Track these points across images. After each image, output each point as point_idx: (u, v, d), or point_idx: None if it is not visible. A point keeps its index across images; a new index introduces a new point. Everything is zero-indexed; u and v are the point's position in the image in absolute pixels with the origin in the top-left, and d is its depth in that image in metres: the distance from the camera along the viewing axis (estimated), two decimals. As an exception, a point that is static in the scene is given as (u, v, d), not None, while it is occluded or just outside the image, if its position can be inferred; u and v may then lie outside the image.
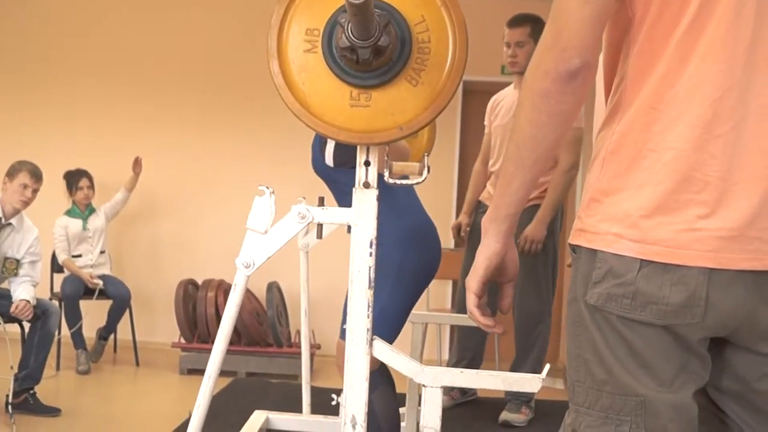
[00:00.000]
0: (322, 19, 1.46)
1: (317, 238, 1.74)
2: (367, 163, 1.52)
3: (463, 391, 3.78)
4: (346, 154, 1.98)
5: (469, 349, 3.73)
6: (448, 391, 3.66)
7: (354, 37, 1.36)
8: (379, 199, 1.49)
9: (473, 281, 1.12)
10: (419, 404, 1.57)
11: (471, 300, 1.13)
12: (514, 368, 3.51)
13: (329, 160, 2.04)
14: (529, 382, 1.50)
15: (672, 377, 0.98)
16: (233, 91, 5.26)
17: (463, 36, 1.45)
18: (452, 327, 5.20)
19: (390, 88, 1.45)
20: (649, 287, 0.95)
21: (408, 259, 2.01)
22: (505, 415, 3.48)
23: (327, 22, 1.46)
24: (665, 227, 0.95)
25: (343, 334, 1.93)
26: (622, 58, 1.04)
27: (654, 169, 0.96)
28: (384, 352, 1.52)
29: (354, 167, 1.93)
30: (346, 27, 1.37)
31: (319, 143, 2.10)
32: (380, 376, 2.00)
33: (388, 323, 2.00)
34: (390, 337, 2.01)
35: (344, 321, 1.94)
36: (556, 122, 1.02)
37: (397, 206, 2.06)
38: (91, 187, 4.73)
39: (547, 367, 1.55)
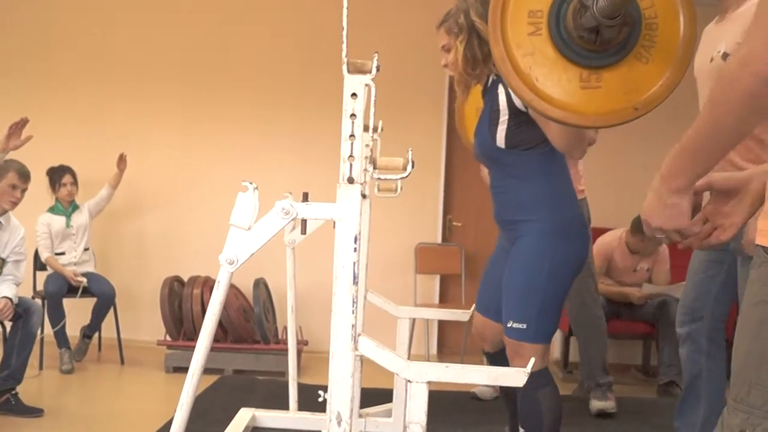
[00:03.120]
0: (544, 0, 1.41)
1: (301, 234, 1.73)
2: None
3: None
4: (518, 135, 1.97)
5: None
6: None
7: (602, 15, 1.31)
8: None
9: (686, 222, 1.17)
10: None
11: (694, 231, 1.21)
12: (584, 368, 3.64)
13: (501, 142, 2.01)
14: (513, 377, 1.50)
15: None
16: (218, 87, 5.22)
17: (691, 11, 1.41)
18: (440, 322, 5.20)
19: (620, 68, 1.41)
20: None
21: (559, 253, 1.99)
22: (596, 404, 3.54)
23: (552, 2, 1.40)
24: None
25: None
26: None
27: None
28: (370, 348, 1.51)
29: (527, 149, 1.95)
30: (593, 6, 1.31)
31: (488, 125, 2.05)
32: (548, 374, 2.03)
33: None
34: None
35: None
36: (759, 119, 1.01)
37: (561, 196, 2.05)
38: (75, 183, 4.67)
39: (532, 360, 1.55)
